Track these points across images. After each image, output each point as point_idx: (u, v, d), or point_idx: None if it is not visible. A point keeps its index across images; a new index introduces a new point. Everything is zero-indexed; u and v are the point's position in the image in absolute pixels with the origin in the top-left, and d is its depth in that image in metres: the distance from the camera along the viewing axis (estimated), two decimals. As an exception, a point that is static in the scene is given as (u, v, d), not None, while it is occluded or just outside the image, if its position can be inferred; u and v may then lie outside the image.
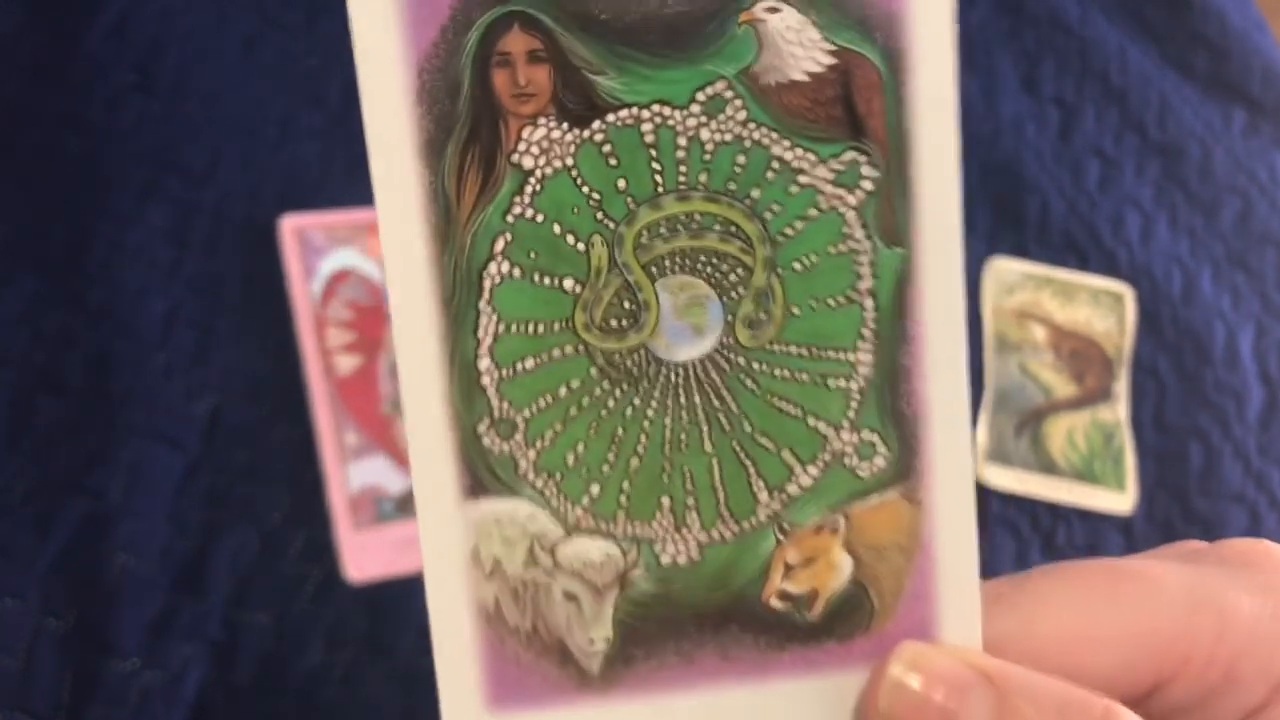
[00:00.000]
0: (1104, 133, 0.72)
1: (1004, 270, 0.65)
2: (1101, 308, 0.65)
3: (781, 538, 0.21)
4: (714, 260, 0.20)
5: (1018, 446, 0.61)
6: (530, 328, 0.20)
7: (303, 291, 0.56)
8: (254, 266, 0.57)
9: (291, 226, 0.58)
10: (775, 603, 0.21)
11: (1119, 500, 0.60)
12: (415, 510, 0.20)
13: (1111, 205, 0.69)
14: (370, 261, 0.58)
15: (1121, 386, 0.63)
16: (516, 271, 0.20)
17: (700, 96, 0.20)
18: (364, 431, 0.54)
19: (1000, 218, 0.67)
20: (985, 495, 0.59)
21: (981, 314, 0.64)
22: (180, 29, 0.63)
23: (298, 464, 0.53)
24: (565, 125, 0.20)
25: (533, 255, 0.20)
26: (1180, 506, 0.61)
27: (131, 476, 0.51)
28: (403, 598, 0.51)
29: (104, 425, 0.52)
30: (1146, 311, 0.66)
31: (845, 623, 0.21)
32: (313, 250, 0.57)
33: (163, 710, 0.47)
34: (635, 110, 0.20)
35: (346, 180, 0.60)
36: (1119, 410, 0.63)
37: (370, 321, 0.57)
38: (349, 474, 0.53)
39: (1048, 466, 0.60)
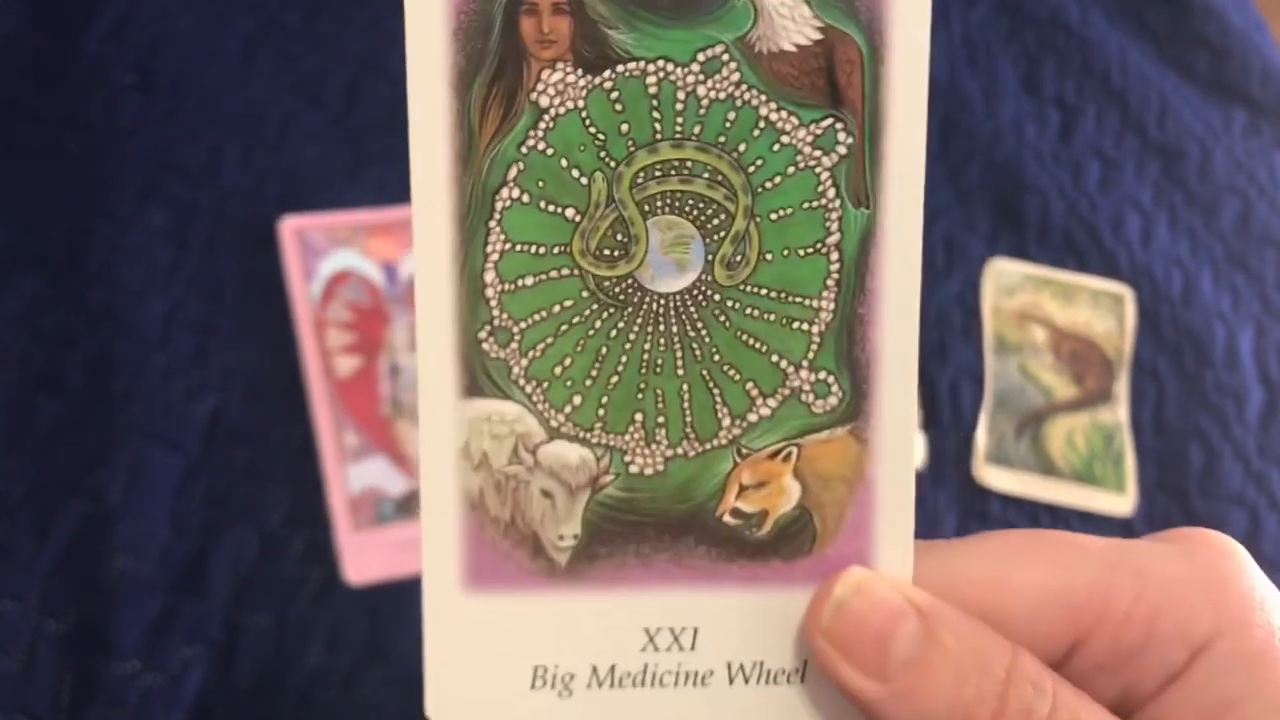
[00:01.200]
0: (1104, 133, 0.72)
1: (1004, 271, 0.65)
2: (1101, 309, 0.65)
3: (739, 460, 0.23)
4: (700, 204, 0.23)
5: (1018, 448, 0.61)
6: (533, 249, 0.23)
7: (303, 293, 0.56)
8: (254, 267, 0.57)
9: (291, 227, 0.58)
10: (729, 519, 0.23)
11: (1119, 502, 0.60)
12: (418, 412, 0.23)
13: (1111, 206, 0.69)
14: (370, 263, 0.58)
15: (1121, 388, 0.63)
16: (525, 197, 0.22)
17: (700, 57, 0.22)
18: (364, 432, 0.54)
19: (1000, 219, 0.67)
20: (985, 496, 0.59)
21: (981, 315, 0.64)
22: (180, 29, 0.63)
23: (298, 465, 0.53)
24: (580, 71, 0.22)
25: (541, 184, 0.22)
26: (1180, 508, 0.61)
27: (131, 477, 0.51)
28: (403, 600, 0.51)
29: (104, 426, 0.52)
30: (1146, 312, 0.66)
31: (790, 544, 0.23)
32: (313, 251, 0.57)
33: (162, 712, 0.47)
34: (642, 64, 0.22)
35: (346, 181, 0.60)
36: (1119, 411, 0.63)
37: (370, 322, 0.57)
38: (349, 475, 0.53)
39: (1048, 468, 0.60)
